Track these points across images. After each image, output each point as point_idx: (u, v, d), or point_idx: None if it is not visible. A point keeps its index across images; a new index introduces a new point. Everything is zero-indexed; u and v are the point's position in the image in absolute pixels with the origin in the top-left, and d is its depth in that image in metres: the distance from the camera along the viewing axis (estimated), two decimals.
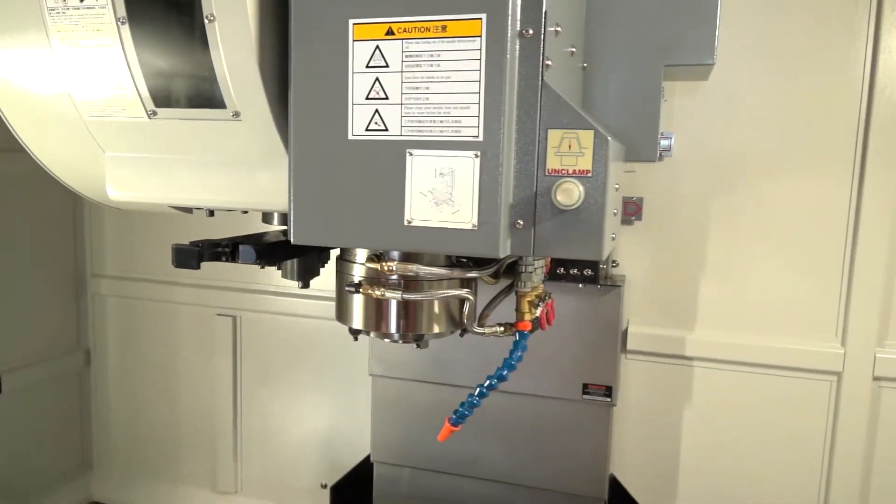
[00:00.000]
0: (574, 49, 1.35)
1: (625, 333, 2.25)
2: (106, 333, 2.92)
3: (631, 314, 2.29)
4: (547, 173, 1.11)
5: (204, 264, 1.55)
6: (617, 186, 1.23)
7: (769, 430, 2.21)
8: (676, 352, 2.25)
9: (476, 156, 1.09)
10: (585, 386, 2.06)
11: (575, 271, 2.01)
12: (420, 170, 1.12)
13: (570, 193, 1.08)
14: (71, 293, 2.86)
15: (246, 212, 1.54)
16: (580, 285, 2.03)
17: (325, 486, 2.58)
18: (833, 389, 2.15)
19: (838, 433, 2.16)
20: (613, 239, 1.23)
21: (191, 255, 1.26)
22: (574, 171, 1.11)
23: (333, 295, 1.40)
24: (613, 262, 2.23)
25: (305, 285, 1.60)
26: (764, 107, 2.11)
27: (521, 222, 1.12)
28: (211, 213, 1.59)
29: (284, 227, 1.56)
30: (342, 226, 1.18)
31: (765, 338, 2.18)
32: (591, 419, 2.08)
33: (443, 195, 1.12)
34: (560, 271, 2.02)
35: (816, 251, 2.13)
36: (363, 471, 2.35)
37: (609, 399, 2.05)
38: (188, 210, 1.60)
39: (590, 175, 1.10)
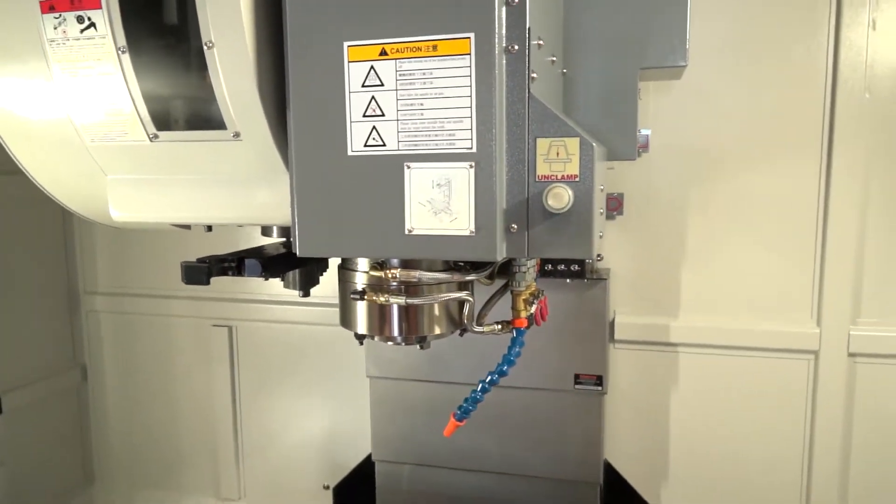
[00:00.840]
0: (554, 58, 1.43)
1: (612, 324, 2.32)
2: (102, 349, 2.92)
3: (617, 305, 2.36)
4: (538, 179, 1.18)
5: None
6: (602, 187, 1.30)
7: (752, 410, 2.29)
8: (662, 339, 2.32)
9: (471, 166, 1.16)
10: (577, 376, 2.13)
11: (562, 267, 2.08)
12: (418, 181, 1.18)
13: (560, 197, 1.15)
14: (65, 311, 2.86)
15: (241, 225, 1.59)
16: (568, 280, 2.09)
17: (327, 488, 2.61)
18: (811, 367, 2.24)
19: (818, 408, 2.25)
20: (601, 237, 1.30)
21: (200, 272, 1.31)
22: (563, 176, 1.18)
23: (327, 301, 1.45)
24: (598, 256, 2.30)
25: (306, 294, 1.66)
26: (734, 100, 2.19)
27: (515, 226, 1.19)
28: (209, 228, 1.64)
29: (283, 239, 1.61)
30: (346, 237, 1.23)
31: (744, 321, 2.26)
32: (584, 408, 2.14)
33: (441, 204, 1.18)
34: (548, 268, 2.08)
35: (789, 235, 2.21)
36: (365, 470, 2.40)
37: (600, 388, 2.12)
38: (187, 226, 1.65)
39: (577, 179, 1.17)
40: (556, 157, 1.18)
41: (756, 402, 2.29)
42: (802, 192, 2.19)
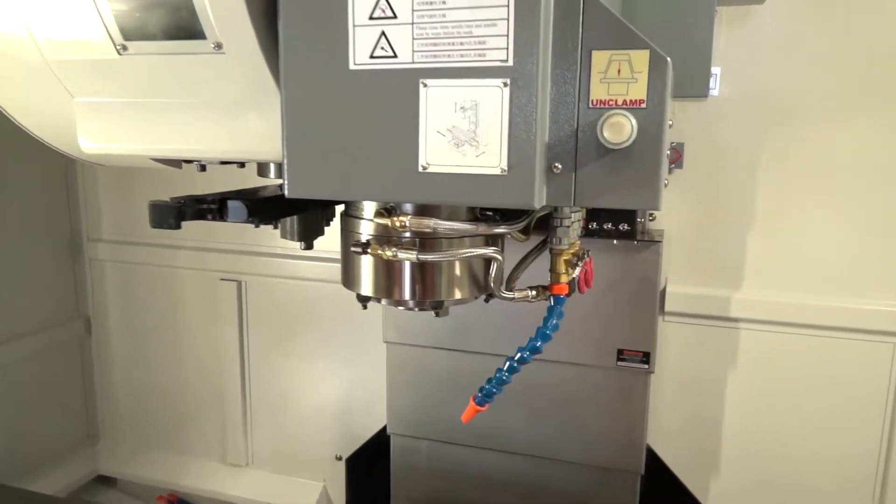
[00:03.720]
0: None
1: (663, 293, 2.07)
2: (106, 300, 2.78)
3: (670, 272, 2.12)
4: (591, 105, 0.93)
5: (204, 225, 1.40)
6: (671, 122, 1.03)
7: (822, 399, 2.04)
8: (720, 313, 2.07)
9: (504, 85, 0.91)
10: (620, 352, 1.90)
11: (609, 226, 1.82)
12: (437, 104, 0.93)
13: (620, 128, 0.90)
14: (67, 259, 2.71)
15: (243, 165, 1.36)
16: (615, 241, 1.84)
17: (339, 459, 2.46)
18: (894, 352, 1.97)
19: None
20: (666, 185, 1.04)
21: (168, 213, 1.08)
22: (625, 101, 0.92)
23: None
24: (651, 215, 2.03)
25: (308, 246, 1.44)
26: (821, 43, 1.90)
27: (560, 166, 0.94)
28: (202, 167, 1.41)
29: (281, 181, 1.38)
30: (345, 175, 1.00)
31: (819, 297, 2.00)
32: (627, 388, 1.93)
33: (465, 134, 0.93)
34: (593, 226, 1.83)
35: (877, 201, 1.94)
36: (380, 442, 2.23)
37: (646, 366, 1.89)
38: (177, 165, 1.43)
39: (644, 106, 0.91)
40: (618, 76, 0.92)
41: (827, 389, 2.03)
42: (893, 152, 1.90)
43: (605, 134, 0.90)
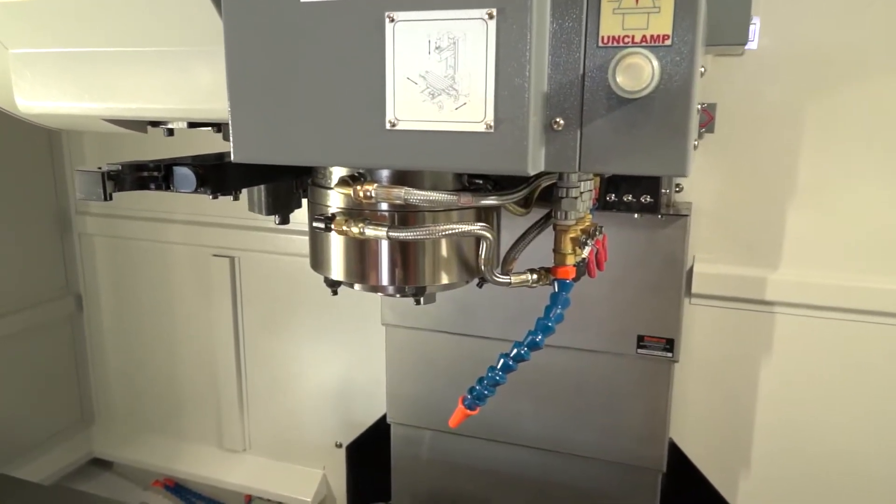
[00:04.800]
0: None
1: (689, 273, 1.87)
2: (96, 277, 2.66)
3: (697, 250, 1.91)
4: (601, 43, 0.75)
5: (194, 199, 1.24)
6: (703, 69, 0.83)
7: (867, 391, 1.84)
8: (753, 295, 1.87)
9: (490, 16, 0.72)
10: (641, 338, 1.72)
11: (630, 198, 1.62)
12: (406, 42, 0.75)
13: (638, 72, 0.71)
14: (55, 233, 2.57)
15: (220, 129, 1.19)
16: (636, 215, 1.65)
17: (339, 446, 2.33)
18: None
19: None
20: (695, 147, 0.84)
21: (94, 182, 0.90)
22: (644, 37, 0.74)
23: None
24: (677, 185, 1.82)
25: (284, 220, 1.27)
26: None
27: (561, 121, 0.76)
28: (170, 131, 1.24)
29: None
30: (298, 134, 0.82)
31: (866, 278, 1.78)
32: (648, 377, 1.75)
33: (441, 81, 0.75)
34: (611, 198, 1.63)
35: None
36: (381, 430, 2.10)
37: (670, 354, 1.71)
38: (140, 128, 1.27)
39: (669, 43, 0.72)
40: (635, 6, 0.73)
41: (872, 381, 1.83)
42: None
43: (619, 79, 0.71)
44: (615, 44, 0.73)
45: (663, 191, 1.66)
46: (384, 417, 2.05)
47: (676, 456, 1.90)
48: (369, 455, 2.17)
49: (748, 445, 1.97)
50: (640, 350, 1.72)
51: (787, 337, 1.87)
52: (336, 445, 2.35)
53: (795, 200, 1.80)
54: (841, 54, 1.70)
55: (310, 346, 2.37)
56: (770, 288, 1.84)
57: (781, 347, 1.88)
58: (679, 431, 1.95)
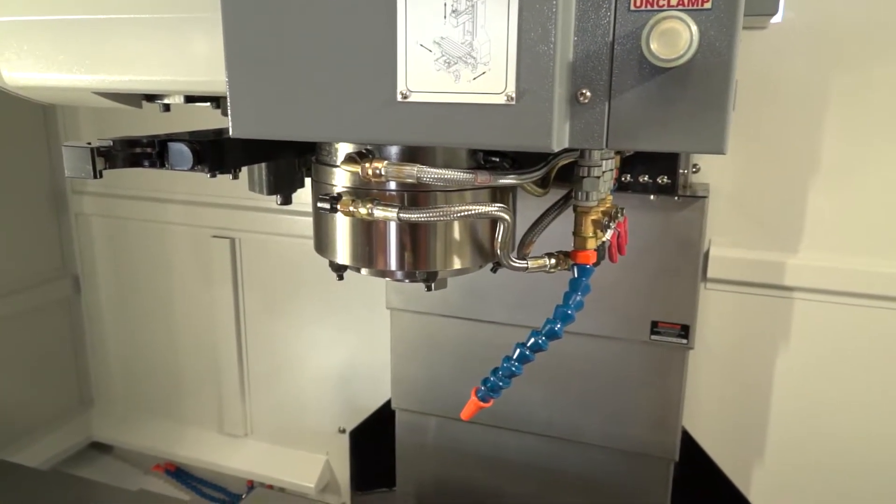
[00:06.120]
0: None
1: (705, 257, 1.82)
2: (94, 258, 2.61)
3: (714, 233, 1.85)
4: (633, 7, 0.68)
5: (193, 178, 1.18)
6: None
7: (889, 379, 1.78)
8: (772, 280, 1.81)
9: None
10: (655, 324, 1.67)
11: (646, 178, 1.56)
12: (419, 5, 0.68)
13: (674, 38, 0.65)
14: (51, 213, 2.52)
15: (218, 105, 1.13)
16: (652, 197, 1.59)
17: (343, 431, 2.29)
18: None
19: None
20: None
21: (82, 159, 0.84)
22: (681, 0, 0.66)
23: None
24: (694, 165, 1.75)
25: (286, 201, 1.20)
26: None
27: (588, 93, 0.70)
28: (166, 107, 1.19)
29: None
30: (301, 107, 0.76)
31: (891, 263, 1.72)
32: (661, 364, 1.70)
33: (458, 48, 0.68)
34: (626, 178, 1.57)
35: None
36: (385, 415, 2.05)
37: (685, 341, 1.65)
38: (134, 102, 1.21)
39: (709, 6, 0.65)
40: None
41: (894, 370, 1.76)
42: None
43: (653, 46, 0.65)
44: (649, 7, 0.67)
45: (681, 171, 1.59)
46: (388, 403, 2.01)
47: (689, 445, 1.85)
48: (373, 441, 2.14)
49: (763, 435, 1.92)
50: (653, 336, 1.67)
51: (806, 324, 1.81)
52: (339, 431, 2.31)
53: (817, 182, 1.73)
54: (868, 30, 1.63)
55: (313, 330, 2.32)
56: (789, 273, 1.78)
57: (800, 334, 1.83)
58: (692, 420, 1.90)
